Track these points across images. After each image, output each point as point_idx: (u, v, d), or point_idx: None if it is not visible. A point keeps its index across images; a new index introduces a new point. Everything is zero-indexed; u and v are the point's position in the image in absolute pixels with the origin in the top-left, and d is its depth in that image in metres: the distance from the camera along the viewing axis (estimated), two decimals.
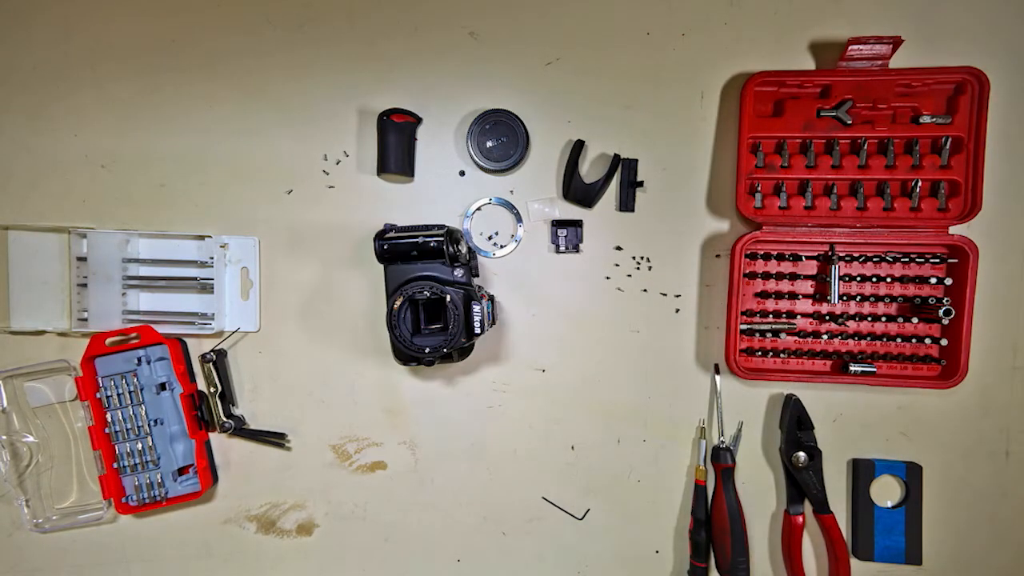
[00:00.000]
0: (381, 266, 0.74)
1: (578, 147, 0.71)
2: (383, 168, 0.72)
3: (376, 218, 0.74)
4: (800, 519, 0.71)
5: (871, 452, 0.73)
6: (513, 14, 0.73)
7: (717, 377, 0.72)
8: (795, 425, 0.70)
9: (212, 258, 0.73)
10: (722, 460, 0.71)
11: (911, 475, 0.71)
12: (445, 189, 0.74)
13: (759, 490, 0.73)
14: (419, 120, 0.73)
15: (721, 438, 0.72)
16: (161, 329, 0.71)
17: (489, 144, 0.72)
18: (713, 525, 0.71)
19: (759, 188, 0.70)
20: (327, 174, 0.74)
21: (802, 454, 0.70)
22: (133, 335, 0.72)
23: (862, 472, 0.71)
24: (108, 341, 0.71)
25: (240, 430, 0.73)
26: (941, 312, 0.68)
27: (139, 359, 0.72)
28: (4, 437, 0.73)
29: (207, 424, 0.73)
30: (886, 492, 0.72)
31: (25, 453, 0.74)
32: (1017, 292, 0.71)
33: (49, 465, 0.74)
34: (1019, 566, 0.73)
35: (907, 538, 0.70)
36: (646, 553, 0.74)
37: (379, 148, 0.72)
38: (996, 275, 0.71)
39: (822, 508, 0.71)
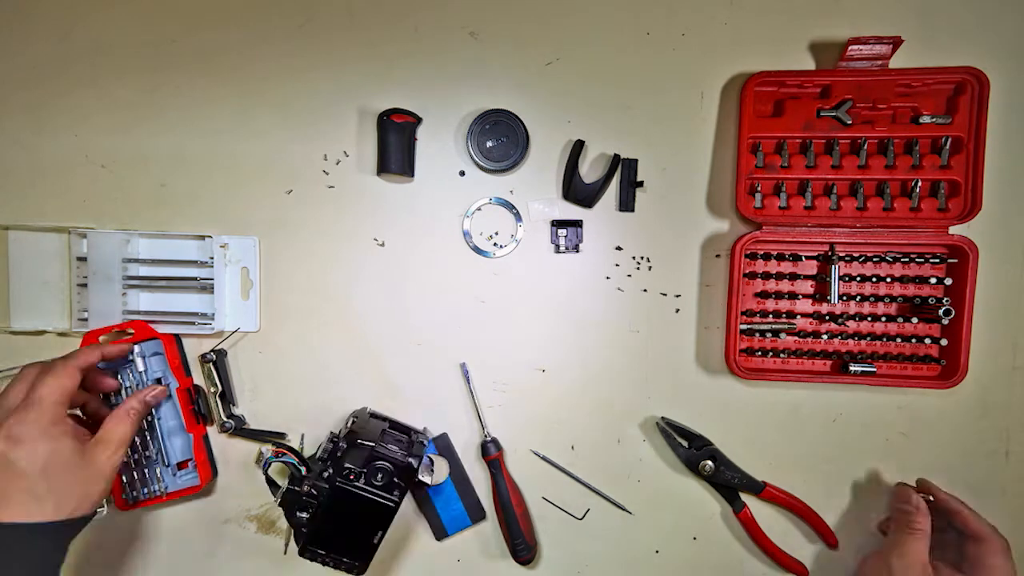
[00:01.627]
0: (380, 266, 0.74)
1: (578, 147, 0.71)
2: (383, 168, 0.72)
3: (376, 218, 0.74)
4: (747, 512, 0.72)
5: (874, 457, 0.73)
6: (513, 14, 0.73)
7: (468, 375, 0.73)
8: (680, 443, 0.72)
9: (212, 258, 0.73)
10: (488, 453, 0.72)
11: (441, 444, 0.73)
12: (445, 189, 0.74)
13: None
14: (419, 120, 0.73)
15: (485, 432, 0.73)
16: (161, 329, 0.71)
17: (489, 144, 0.72)
18: (496, 513, 0.73)
19: (759, 188, 0.70)
20: (327, 174, 0.74)
21: (707, 463, 0.71)
22: (127, 331, 0.71)
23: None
24: (101, 338, 0.70)
25: (240, 430, 0.73)
26: (941, 312, 0.68)
27: (134, 355, 0.71)
28: None
29: (204, 418, 0.73)
30: (432, 471, 0.72)
31: None
32: (1017, 292, 0.71)
33: None
34: (1019, 566, 0.73)
35: (463, 501, 0.73)
36: (646, 553, 0.74)
37: (379, 148, 0.72)
38: (996, 275, 0.71)
39: (757, 488, 0.71)
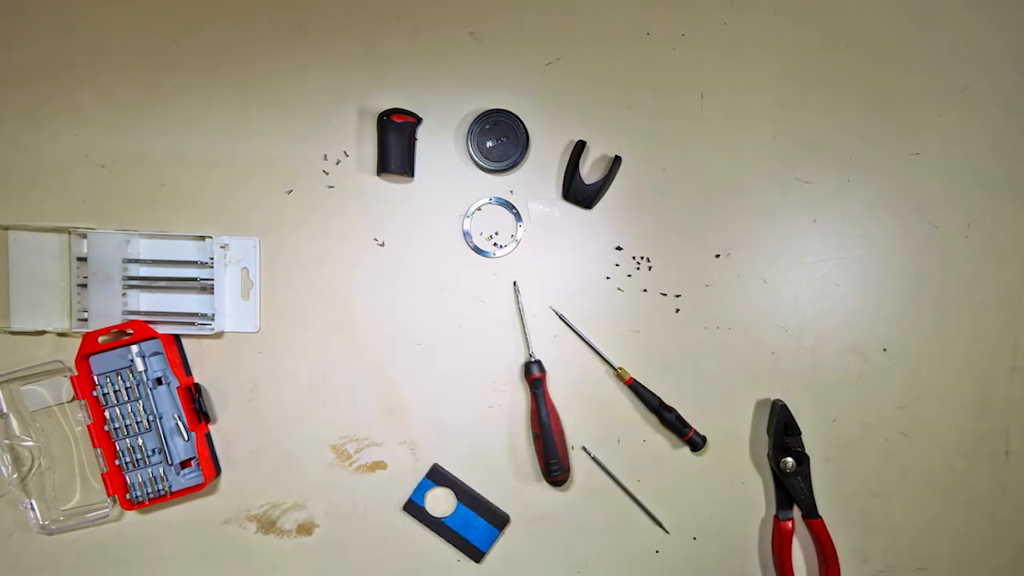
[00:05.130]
0: (380, 266, 0.74)
1: (579, 147, 0.71)
2: (383, 168, 0.72)
3: (376, 218, 0.74)
4: (789, 524, 0.71)
5: (867, 453, 0.73)
6: (513, 14, 0.73)
7: (519, 296, 0.73)
8: (782, 431, 0.70)
9: (212, 259, 0.73)
10: (531, 373, 0.72)
11: (436, 475, 0.73)
12: (445, 189, 0.74)
13: (748, 495, 0.74)
14: (419, 120, 0.73)
15: (530, 353, 0.73)
16: (161, 330, 0.71)
17: (489, 144, 0.72)
18: (532, 433, 0.72)
19: None
20: (327, 174, 0.74)
21: (790, 459, 0.70)
22: (126, 331, 0.71)
23: None
24: (101, 339, 0.70)
25: None
26: None
27: (134, 355, 0.71)
28: (7, 442, 0.73)
29: (206, 416, 0.73)
30: None
31: (27, 457, 0.74)
32: (1017, 292, 0.71)
33: (50, 466, 0.74)
34: (1019, 566, 0.73)
35: (482, 516, 0.73)
36: (646, 553, 0.74)
37: (379, 148, 0.72)
38: (996, 275, 0.71)
39: (811, 513, 0.71)
